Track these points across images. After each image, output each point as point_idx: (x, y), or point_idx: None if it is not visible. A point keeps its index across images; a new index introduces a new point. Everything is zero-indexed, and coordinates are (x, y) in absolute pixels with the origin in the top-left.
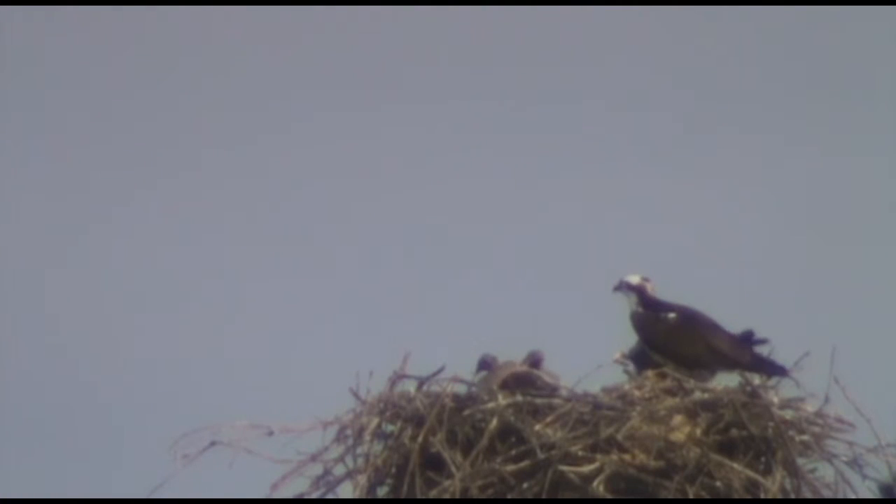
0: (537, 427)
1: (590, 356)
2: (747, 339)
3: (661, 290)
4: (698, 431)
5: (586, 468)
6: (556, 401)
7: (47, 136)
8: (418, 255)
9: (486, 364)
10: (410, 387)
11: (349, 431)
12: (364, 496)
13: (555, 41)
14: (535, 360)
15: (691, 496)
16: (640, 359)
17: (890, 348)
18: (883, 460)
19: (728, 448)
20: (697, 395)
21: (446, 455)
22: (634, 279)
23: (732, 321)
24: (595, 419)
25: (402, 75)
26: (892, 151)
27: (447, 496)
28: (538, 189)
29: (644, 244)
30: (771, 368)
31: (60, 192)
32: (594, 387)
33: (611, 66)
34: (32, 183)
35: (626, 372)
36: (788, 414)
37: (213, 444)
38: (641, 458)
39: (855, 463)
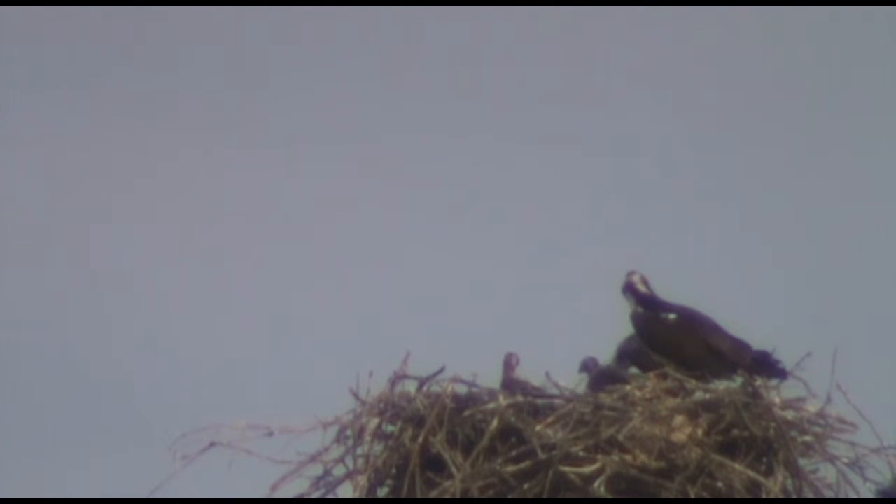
0: (538, 427)
1: (590, 356)
2: (766, 358)
3: (663, 292)
4: (700, 432)
5: (587, 469)
6: (557, 401)
7: (46, 135)
8: (418, 254)
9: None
10: (411, 387)
11: (349, 432)
12: (364, 497)
13: (554, 42)
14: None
15: (692, 497)
16: (637, 355)
17: (892, 349)
18: (885, 461)
19: (729, 448)
20: (699, 395)
21: (447, 456)
22: (623, 279)
23: (734, 322)
24: (596, 419)
25: (401, 74)
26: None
27: (447, 497)
28: (538, 189)
29: (644, 244)
30: (771, 371)
31: (63, 188)
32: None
33: (612, 67)
34: (36, 179)
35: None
36: (790, 414)
37: (212, 444)
38: (642, 458)
39: (857, 464)
